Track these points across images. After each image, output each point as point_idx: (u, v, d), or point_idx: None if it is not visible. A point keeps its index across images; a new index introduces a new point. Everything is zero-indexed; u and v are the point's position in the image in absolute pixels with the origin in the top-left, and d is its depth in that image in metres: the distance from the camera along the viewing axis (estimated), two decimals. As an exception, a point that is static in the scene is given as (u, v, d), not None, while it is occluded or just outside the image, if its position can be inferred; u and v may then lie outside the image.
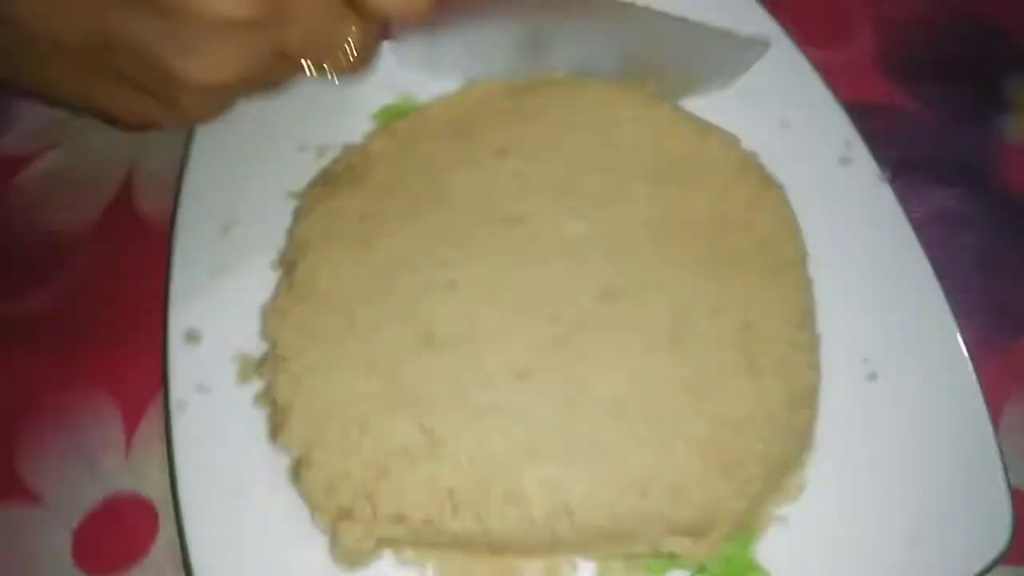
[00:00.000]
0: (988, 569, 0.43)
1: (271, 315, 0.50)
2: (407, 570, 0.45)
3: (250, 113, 0.58)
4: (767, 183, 0.50)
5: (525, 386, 0.45)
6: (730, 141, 0.52)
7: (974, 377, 0.47)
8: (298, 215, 0.53)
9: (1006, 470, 0.45)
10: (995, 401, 0.49)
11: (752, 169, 0.51)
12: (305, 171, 0.55)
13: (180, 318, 0.51)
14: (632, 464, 0.43)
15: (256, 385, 0.49)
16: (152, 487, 0.51)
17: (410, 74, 0.57)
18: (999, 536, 0.43)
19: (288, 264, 0.51)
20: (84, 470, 0.52)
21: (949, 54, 0.62)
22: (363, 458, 0.44)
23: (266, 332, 0.49)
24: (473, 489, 0.43)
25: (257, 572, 0.45)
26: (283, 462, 0.47)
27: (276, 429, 0.46)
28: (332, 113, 0.57)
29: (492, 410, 0.45)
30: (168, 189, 0.57)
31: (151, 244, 0.57)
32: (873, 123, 0.55)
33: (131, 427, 0.53)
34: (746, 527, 0.44)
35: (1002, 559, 0.43)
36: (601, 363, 0.46)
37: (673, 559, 0.45)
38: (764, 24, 0.57)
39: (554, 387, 0.45)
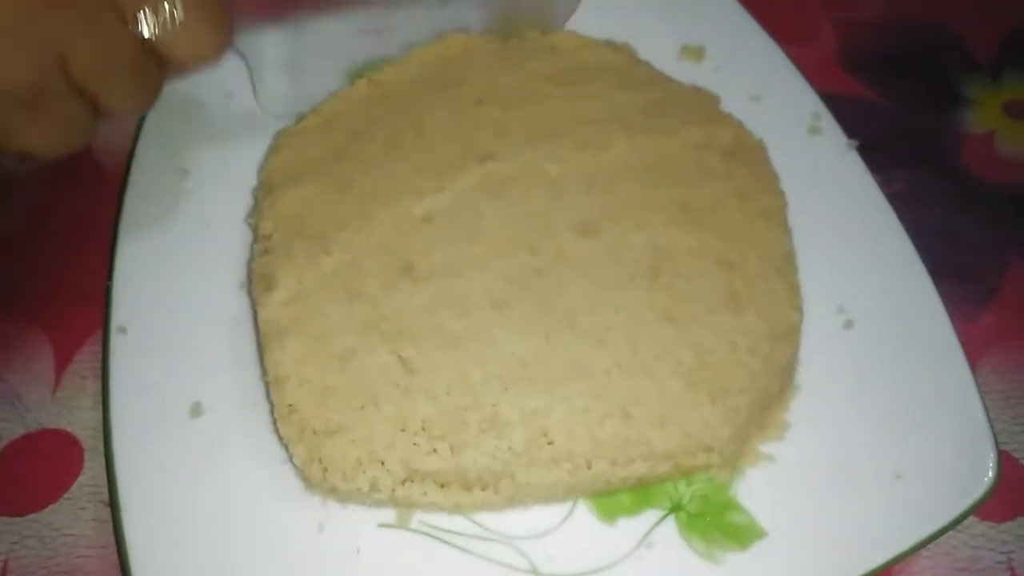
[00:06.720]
0: (975, 506, 0.42)
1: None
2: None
3: (214, 75, 0.58)
4: (746, 137, 0.51)
5: (504, 315, 0.43)
6: (710, 97, 0.52)
7: (949, 322, 0.46)
8: (267, 155, 0.52)
9: (987, 411, 0.44)
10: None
11: (731, 124, 0.51)
12: (272, 123, 0.54)
13: (129, 251, 0.49)
14: (614, 390, 0.41)
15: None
16: (80, 424, 0.48)
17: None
18: (983, 475, 0.42)
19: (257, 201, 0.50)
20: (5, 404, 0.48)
21: (906, 54, 0.64)
22: (341, 398, 0.42)
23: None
24: (450, 419, 0.41)
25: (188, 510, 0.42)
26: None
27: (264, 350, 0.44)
28: (301, 73, 0.57)
29: (470, 339, 0.43)
30: (125, 134, 0.55)
31: (103, 184, 0.54)
32: (836, 110, 0.56)
33: (62, 365, 0.49)
34: (733, 465, 0.42)
35: (988, 499, 0.42)
36: (581, 293, 0.44)
37: (648, 498, 0.42)
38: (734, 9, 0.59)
39: (533, 316, 0.43)
